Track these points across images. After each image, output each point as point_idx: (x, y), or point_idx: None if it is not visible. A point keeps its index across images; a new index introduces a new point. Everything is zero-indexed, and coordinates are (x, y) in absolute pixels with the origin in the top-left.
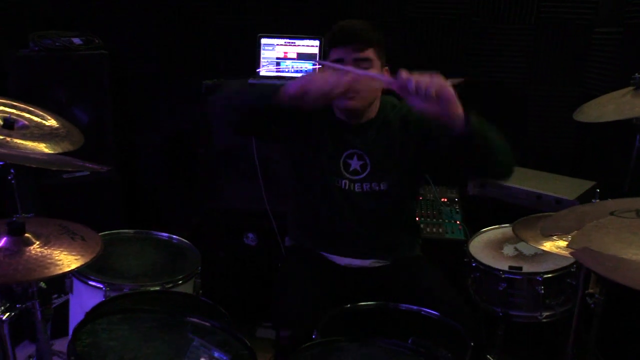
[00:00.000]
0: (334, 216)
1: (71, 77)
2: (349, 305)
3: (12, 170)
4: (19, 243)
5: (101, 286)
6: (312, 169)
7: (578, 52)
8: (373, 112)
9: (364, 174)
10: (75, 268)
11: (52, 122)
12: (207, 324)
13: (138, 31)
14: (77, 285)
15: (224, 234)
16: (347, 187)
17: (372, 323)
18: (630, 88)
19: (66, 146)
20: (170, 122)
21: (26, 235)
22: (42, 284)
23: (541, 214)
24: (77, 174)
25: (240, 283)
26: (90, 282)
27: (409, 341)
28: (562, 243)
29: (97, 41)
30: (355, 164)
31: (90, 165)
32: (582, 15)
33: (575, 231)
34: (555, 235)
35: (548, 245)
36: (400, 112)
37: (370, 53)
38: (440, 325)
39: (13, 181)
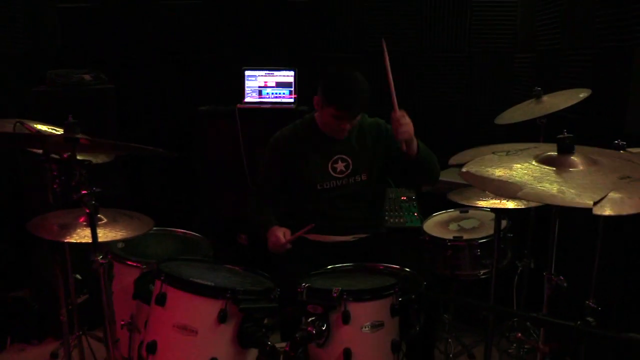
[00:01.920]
0: (323, 209)
1: (83, 108)
2: (330, 267)
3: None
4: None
5: (139, 265)
6: (304, 177)
7: (504, 75)
8: None
9: (348, 172)
10: (140, 234)
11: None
12: (236, 267)
13: (140, 67)
14: (117, 267)
15: (220, 235)
16: (335, 185)
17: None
18: (534, 98)
19: (103, 158)
20: (170, 143)
21: (98, 215)
22: (77, 276)
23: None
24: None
25: None
26: (129, 263)
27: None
28: (483, 203)
29: (104, 77)
30: (340, 166)
31: (161, 150)
32: (504, 45)
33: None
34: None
35: (473, 202)
36: (375, 124)
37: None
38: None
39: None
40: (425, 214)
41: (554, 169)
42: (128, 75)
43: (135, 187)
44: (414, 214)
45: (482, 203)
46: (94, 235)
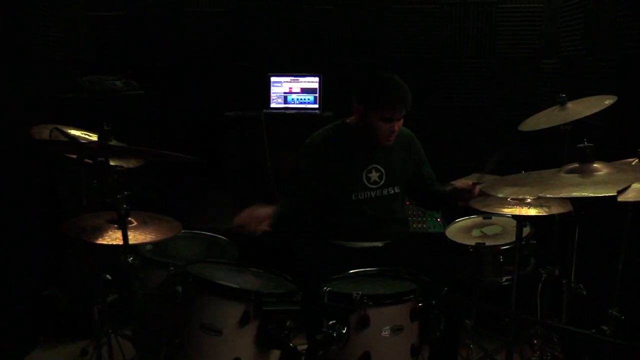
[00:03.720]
0: (356, 220)
1: (115, 114)
2: (353, 271)
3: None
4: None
5: (166, 267)
6: (339, 186)
7: (527, 81)
8: None
9: (381, 183)
10: (168, 237)
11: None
12: (261, 270)
13: (168, 74)
14: (145, 268)
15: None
16: (369, 196)
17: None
18: (558, 105)
19: (133, 163)
20: (199, 149)
21: (129, 218)
22: (108, 276)
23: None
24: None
25: None
26: (157, 264)
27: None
28: (505, 210)
29: (135, 84)
30: (374, 176)
31: (179, 155)
32: (528, 50)
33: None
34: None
35: (494, 209)
36: (408, 135)
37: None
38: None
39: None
40: (448, 220)
41: (578, 174)
42: (157, 81)
43: (163, 190)
44: (436, 219)
45: (504, 210)
46: (125, 237)
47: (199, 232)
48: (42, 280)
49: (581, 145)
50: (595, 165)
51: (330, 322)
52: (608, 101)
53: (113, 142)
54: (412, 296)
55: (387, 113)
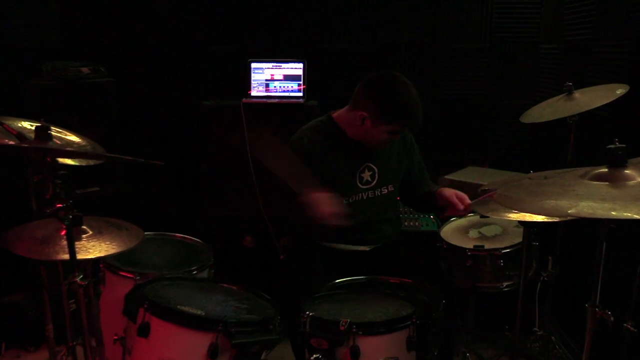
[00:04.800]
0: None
1: (81, 103)
2: (339, 280)
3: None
4: (79, 232)
5: (132, 276)
6: (331, 189)
7: (527, 67)
8: None
9: (374, 182)
10: (130, 248)
11: (76, 139)
12: (234, 287)
13: (141, 60)
14: (109, 277)
15: (225, 238)
16: (361, 198)
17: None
18: (564, 94)
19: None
20: (174, 140)
21: (83, 227)
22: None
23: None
24: (88, 190)
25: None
26: (122, 273)
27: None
28: (514, 215)
29: (103, 70)
30: (366, 175)
31: (145, 160)
32: (529, 34)
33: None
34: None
35: (499, 214)
36: (403, 135)
37: None
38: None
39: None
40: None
41: (609, 183)
42: (129, 68)
43: (135, 185)
44: (430, 216)
45: (510, 215)
46: (72, 253)
47: (169, 234)
48: (3, 285)
49: (612, 146)
50: (627, 172)
51: (314, 356)
52: (620, 91)
53: (72, 137)
54: (408, 322)
55: (399, 128)
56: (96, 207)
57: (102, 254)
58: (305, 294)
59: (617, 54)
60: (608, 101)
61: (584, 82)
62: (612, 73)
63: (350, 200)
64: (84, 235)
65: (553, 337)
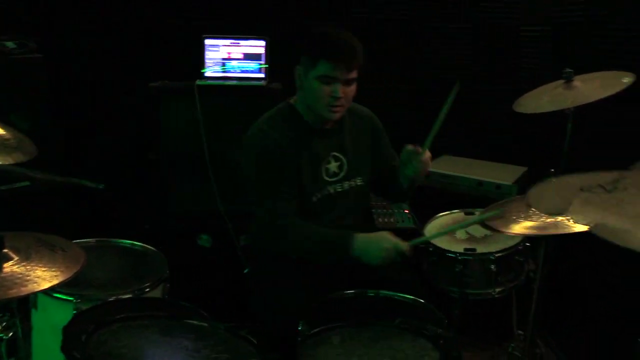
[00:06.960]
0: (316, 220)
1: (6, 82)
2: (330, 296)
3: None
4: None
5: (71, 299)
6: (298, 187)
7: (508, 50)
8: None
9: (342, 174)
10: (65, 280)
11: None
12: (205, 324)
13: (78, 35)
14: (42, 300)
15: (178, 238)
16: (329, 192)
17: (353, 309)
18: (561, 81)
19: (18, 157)
20: (117, 126)
21: (4, 250)
22: None
23: (500, 201)
24: (16, 185)
25: (201, 285)
26: (57, 296)
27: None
28: (529, 223)
29: (32, 45)
30: (333, 166)
31: (79, 180)
32: (509, 16)
33: (570, 209)
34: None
35: (518, 229)
36: (368, 116)
37: (355, 73)
38: (413, 307)
39: None
40: (417, 212)
41: None
42: (64, 44)
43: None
44: (404, 211)
45: (514, 229)
46: None
47: (115, 241)
48: None
49: None
50: None
51: None
52: (627, 79)
53: None
54: None
55: (328, 67)
56: (26, 205)
57: (31, 291)
58: (286, 322)
59: (616, 37)
60: (615, 91)
61: (576, 70)
62: (610, 59)
63: (318, 197)
64: (6, 265)
65: (538, 340)
